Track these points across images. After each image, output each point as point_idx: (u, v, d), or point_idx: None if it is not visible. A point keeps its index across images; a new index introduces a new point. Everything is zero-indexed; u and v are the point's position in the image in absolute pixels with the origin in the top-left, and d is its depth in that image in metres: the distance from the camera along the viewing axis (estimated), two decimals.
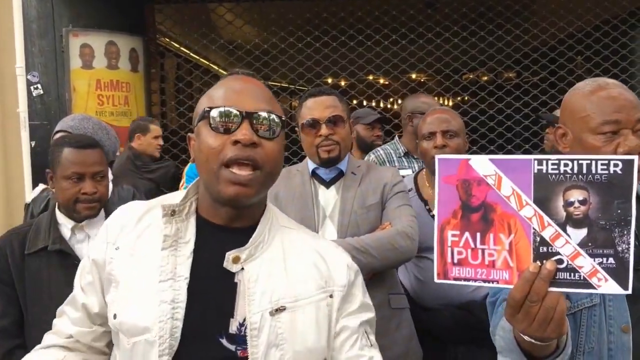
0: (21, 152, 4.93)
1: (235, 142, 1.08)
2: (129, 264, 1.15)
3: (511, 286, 1.03)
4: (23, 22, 4.63)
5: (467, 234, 1.05)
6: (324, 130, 2.04)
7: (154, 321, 1.08)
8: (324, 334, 1.15)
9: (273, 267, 1.15)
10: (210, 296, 1.12)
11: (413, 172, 2.96)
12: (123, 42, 4.83)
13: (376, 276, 1.99)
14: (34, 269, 1.88)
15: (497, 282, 1.04)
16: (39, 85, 4.67)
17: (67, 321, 1.25)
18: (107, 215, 1.82)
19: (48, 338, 1.26)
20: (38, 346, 1.25)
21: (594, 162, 0.98)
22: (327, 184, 2.12)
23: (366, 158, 3.36)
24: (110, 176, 2.42)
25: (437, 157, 1.08)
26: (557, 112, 3.43)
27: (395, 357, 2.00)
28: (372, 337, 1.23)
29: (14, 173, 5.25)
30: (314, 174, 2.14)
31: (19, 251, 1.90)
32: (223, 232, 1.16)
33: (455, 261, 1.05)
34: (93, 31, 4.68)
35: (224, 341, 1.09)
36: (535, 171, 1.01)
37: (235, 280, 1.12)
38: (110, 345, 1.24)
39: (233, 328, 1.10)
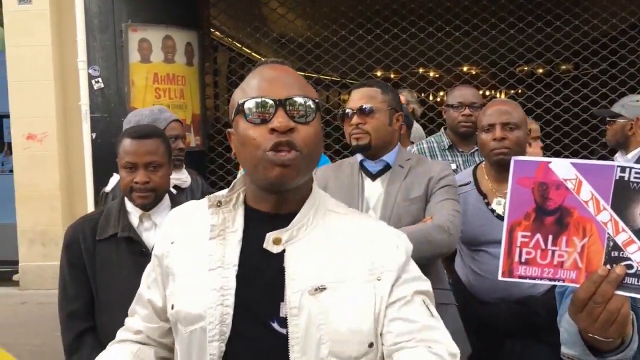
0: (82, 143, 5.13)
1: (273, 131, 1.10)
2: (183, 256, 1.19)
3: (577, 285, 1.03)
4: (85, 18, 4.81)
5: (538, 236, 1.04)
6: (354, 119, 2.09)
7: (205, 309, 1.11)
8: (368, 317, 1.12)
9: (316, 249, 1.14)
10: (261, 282, 1.13)
11: (457, 166, 2.90)
12: (179, 37, 4.94)
13: None
14: (104, 255, 1.94)
15: (564, 280, 1.04)
16: (99, 79, 4.84)
17: (137, 318, 1.31)
18: (174, 205, 1.87)
19: (120, 334, 1.32)
20: (112, 342, 1.30)
21: None
22: (373, 177, 2.12)
23: (408, 149, 3.30)
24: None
25: (513, 158, 1.06)
26: (614, 108, 3.25)
27: None
28: (433, 309, 1.19)
29: (75, 164, 5.47)
30: (362, 166, 2.16)
31: (91, 237, 1.96)
32: (270, 219, 1.17)
33: (523, 260, 1.05)
34: (151, 26, 4.81)
35: (275, 325, 1.10)
36: (617, 178, 1.00)
37: (284, 265, 1.13)
38: None
39: (284, 312, 1.10)
